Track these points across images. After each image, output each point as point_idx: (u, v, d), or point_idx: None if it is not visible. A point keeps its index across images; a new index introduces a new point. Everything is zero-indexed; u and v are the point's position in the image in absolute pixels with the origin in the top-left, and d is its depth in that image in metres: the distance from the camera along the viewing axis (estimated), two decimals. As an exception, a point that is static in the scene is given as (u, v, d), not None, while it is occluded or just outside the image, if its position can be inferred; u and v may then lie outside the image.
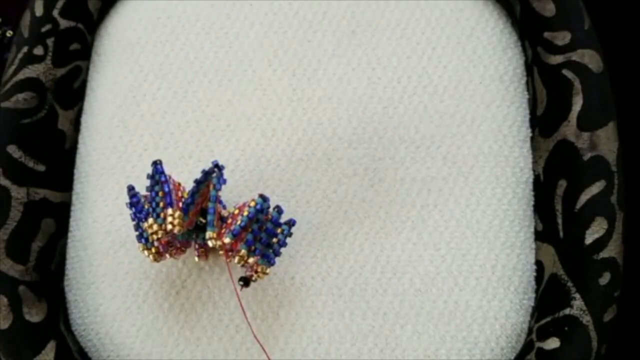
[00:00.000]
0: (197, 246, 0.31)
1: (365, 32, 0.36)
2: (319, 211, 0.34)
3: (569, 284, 0.30)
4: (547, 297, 0.31)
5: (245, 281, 0.30)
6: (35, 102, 0.34)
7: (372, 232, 0.33)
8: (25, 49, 0.35)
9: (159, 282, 0.33)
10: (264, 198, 0.29)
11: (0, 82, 0.35)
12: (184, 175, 0.34)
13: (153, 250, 0.30)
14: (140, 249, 0.30)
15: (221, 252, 0.30)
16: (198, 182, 0.29)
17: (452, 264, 0.32)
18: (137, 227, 0.30)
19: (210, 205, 0.29)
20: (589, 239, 0.31)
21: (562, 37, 0.34)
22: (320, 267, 0.33)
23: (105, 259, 0.34)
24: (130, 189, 0.31)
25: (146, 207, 0.30)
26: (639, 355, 0.36)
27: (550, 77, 0.34)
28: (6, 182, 0.32)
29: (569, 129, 0.32)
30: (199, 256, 0.32)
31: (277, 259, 0.30)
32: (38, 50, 0.35)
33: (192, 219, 0.30)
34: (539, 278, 0.33)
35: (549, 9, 0.34)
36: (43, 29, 0.35)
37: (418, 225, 0.33)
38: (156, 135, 0.35)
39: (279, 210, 0.29)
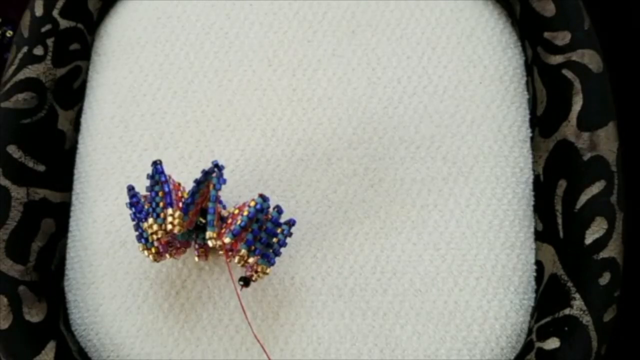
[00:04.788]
0: (197, 246, 0.31)
1: (365, 32, 0.36)
2: (319, 211, 0.34)
3: (569, 284, 0.30)
4: (547, 297, 0.31)
5: (245, 281, 0.30)
6: (35, 102, 0.34)
7: (372, 232, 0.33)
8: (25, 49, 0.35)
9: (159, 282, 0.33)
10: (264, 198, 0.29)
11: (0, 82, 0.35)
12: (184, 175, 0.34)
13: (153, 250, 0.30)
14: (140, 249, 0.30)
15: (221, 252, 0.30)
16: (198, 182, 0.29)
17: (452, 264, 0.32)
18: (137, 227, 0.30)
19: (210, 205, 0.29)
20: (589, 239, 0.31)
21: (562, 37, 0.34)
22: (320, 267, 0.33)
23: (105, 259, 0.34)
24: (130, 189, 0.31)
25: (146, 207, 0.30)
26: (639, 355, 0.36)
27: (550, 77, 0.34)
28: (6, 182, 0.32)
29: (569, 129, 0.32)
30: (199, 256, 0.32)
31: (277, 259, 0.30)
32: (38, 50, 0.35)
33: (192, 219, 0.30)
34: (539, 278, 0.33)
35: (549, 9, 0.34)
36: (43, 29, 0.35)
37: (418, 225, 0.33)
38: (156, 135, 0.35)
39: (279, 210, 0.29)
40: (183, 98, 0.36)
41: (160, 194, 0.29)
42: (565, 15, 0.34)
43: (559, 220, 0.32)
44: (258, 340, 0.31)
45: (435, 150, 0.34)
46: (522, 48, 0.36)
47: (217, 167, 0.29)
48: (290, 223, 0.30)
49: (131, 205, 0.30)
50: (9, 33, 0.43)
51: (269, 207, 0.29)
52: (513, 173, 0.34)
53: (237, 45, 0.37)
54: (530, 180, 0.34)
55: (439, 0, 0.37)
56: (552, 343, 0.30)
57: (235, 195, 0.34)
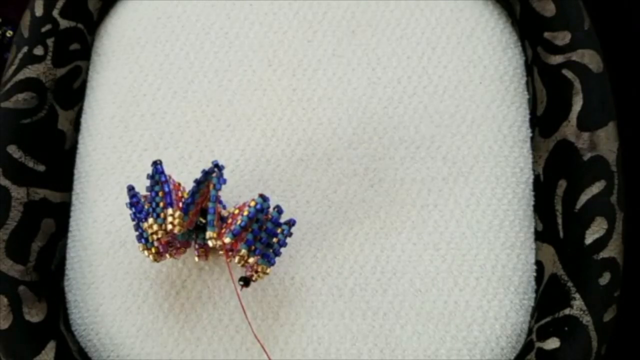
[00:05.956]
0: (197, 246, 0.31)
1: (365, 32, 0.36)
2: (319, 211, 0.34)
3: (569, 284, 0.30)
4: (547, 297, 0.31)
5: (246, 281, 0.30)
6: (35, 102, 0.34)
7: (372, 232, 0.33)
8: (25, 49, 0.35)
9: (159, 282, 0.33)
10: (264, 198, 0.29)
11: (0, 82, 0.35)
12: (184, 175, 0.34)
13: (153, 250, 0.30)
14: (140, 249, 0.30)
15: (221, 252, 0.30)
16: (198, 182, 0.29)
17: (452, 264, 0.32)
18: (137, 227, 0.30)
19: (210, 205, 0.29)
20: (589, 239, 0.31)
21: (562, 37, 0.34)
22: (320, 267, 0.33)
23: (105, 259, 0.34)
24: (130, 189, 0.31)
25: (146, 207, 0.30)
26: (639, 355, 0.36)
27: (550, 77, 0.34)
28: (6, 182, 0.33)
29: (569, 129, 0.32)
30: (199, 256, 0.32)
31: (277, 259, 0.30)
32: (38, 50, 0.35)
33: (192, 219, 0.30)
34: (539, 278, 0.33)
35: (549, 9, 0.34)
36: (43, 29, 0.35)
37: (418, 225, 0.33)
38: (156, 135, 0.35)
39: (279, 210, 0.29)
40: (183, 98, 0.36)
41: (160, 194, 0.29)
42: (565, 15, 0.34)
43: (559, 220, 0.32)
44: (258, 340, 0.31)
45: (435, 150, 0.34)
46: (522, 48, 0.36)
47: (217, 167, 0.29)
48: (290, 223, 0.30)
49: (131, 205, 0.30)
50: (9, 33, 0.43)
51: (269, 207, 0.29)
52: (513, 173, 0.34)
53: (237, 45, 0.37)
54: (530, 180, 0.34)
55: (439, 0, 0.37)
56: (552, 343, 0.30)
57: (235, 195, 0.34)
